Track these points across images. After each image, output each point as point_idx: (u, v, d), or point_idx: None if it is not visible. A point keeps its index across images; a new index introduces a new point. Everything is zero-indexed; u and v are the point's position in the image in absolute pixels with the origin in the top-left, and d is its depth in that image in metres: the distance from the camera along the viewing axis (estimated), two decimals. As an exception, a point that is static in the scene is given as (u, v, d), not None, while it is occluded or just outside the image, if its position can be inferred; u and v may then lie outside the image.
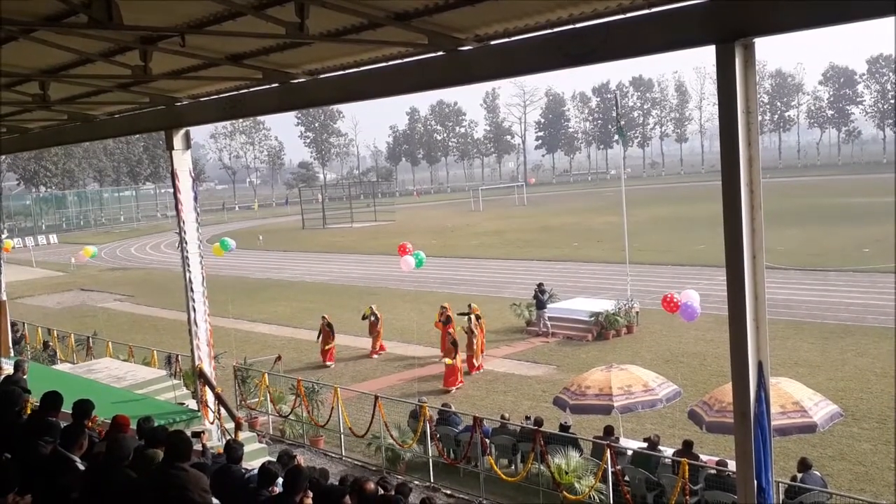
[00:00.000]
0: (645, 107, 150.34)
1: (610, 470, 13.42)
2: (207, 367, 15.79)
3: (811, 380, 17.90)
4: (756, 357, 7.01)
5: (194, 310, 15.45)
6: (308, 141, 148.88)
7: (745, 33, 6.58)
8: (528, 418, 16.47)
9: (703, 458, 13.74)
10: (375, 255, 52.65)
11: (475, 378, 22.79)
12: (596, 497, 13.60)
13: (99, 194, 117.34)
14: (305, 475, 7.35)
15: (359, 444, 17.64)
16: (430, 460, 16.23)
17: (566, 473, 13.90)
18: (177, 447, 6.66)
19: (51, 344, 26.71)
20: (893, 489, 14.06)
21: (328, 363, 24.97)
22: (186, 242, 15.33)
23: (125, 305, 41.01)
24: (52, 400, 8.17)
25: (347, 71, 10.67)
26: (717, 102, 6.87)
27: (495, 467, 15.19)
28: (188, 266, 15.36)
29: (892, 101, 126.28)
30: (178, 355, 21.79)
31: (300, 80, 11.26)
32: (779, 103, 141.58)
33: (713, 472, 12.77)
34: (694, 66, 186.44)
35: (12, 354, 21.90)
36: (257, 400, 19.96)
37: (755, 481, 7.08)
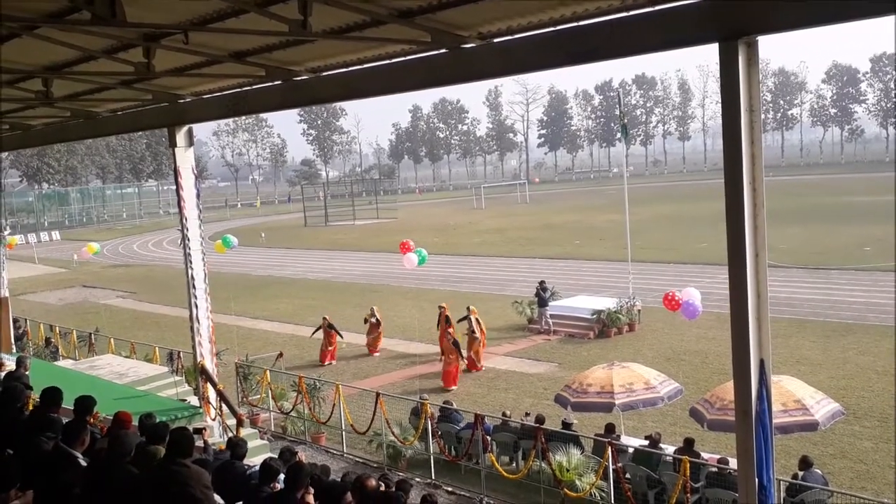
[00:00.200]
0: (648, 105, 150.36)
1: (611, 467, 13.43)
2: (209, 364, 15.81)
3: (813, 378, 17.88)
4: (758, 355, 7.02)
5: (196, 306, 15.47)
6: (311, 138, 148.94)
7: (749, 31, 6.58)
8: (527, 415, 16.50)
9: (705, 455, 13.73)
10: (377, 253, 52.65)
11: (477, 376, 22.79)
12: (597, 494, 13.59)
13: (101, 191, 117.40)
14: (307, 472, 7.37)
15: (360, 440, 17.65)
16: (432, 457, 16.24)
17: (567, 471, 13.90)
18: (179, 443, 6.68)
19: (53, 340, 26.73)
20: (895, 487, 14.06)
21: (326, 363, 24.83)
22: (189, 239, 15.35)
23: (127, 302, 41.05)
24: (51, 396, 8.19)
25: (350, 68, 10.67)
26: (719, 100, 6.87)
27: (496, 464, 15.20)
28: (190, 263, 15.38)
29: (895, 100, 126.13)
30: (179, 352, 21.81)
31: (303, 78, 11.27)
32: (782, 101, 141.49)
33: (714, 469, 12.78)
34: (697, 64, 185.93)
35: (14, 351, 21.95)
36: (259, 397, 19.98)
37: (756, 479, 7.09)
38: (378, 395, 16.85)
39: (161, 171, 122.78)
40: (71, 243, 70.98)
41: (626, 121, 36.13)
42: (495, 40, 8.81)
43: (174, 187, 15.94)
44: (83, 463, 6.95)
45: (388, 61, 10.13)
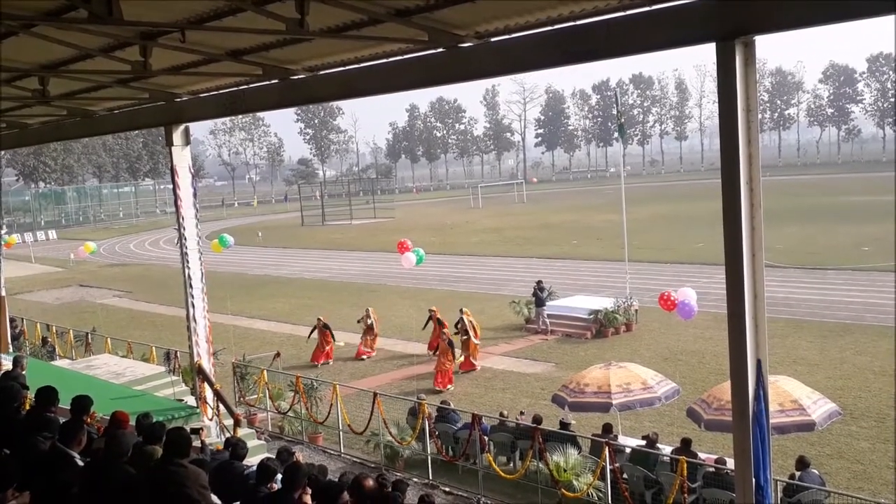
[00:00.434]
0: (645, 104, 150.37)
1: (608, 468, 13.43)
2: (206, 364, 15.80)
3: (810, 378, 17.91)
4: (755, 355, 7.02)
5: (193, 306, 15.45)
6: (307, 137, 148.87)
7: (746, 31, 6.58)
8: (521, 413, 16.52)
9: (702, 456, 13.74)
10: (374, 252, 52.65)
11: (474, 376, 22.80)
12: (594, 495, 13.60)
13: (98, 190, 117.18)
14: (304, 472, 7.36)
15: (357, 441, 17.65)
16: (429, 457, 16.23)
17: (565, 471, 13.90)
18: (176, 443, 6.67)
19: (49, 340, 26.70)
20: (892, 487, 14.09)
21: (321, 362, 24.76)
22: (185, 239, 15.33)
23: (124, 301, 41.00)
24: (47, 395, 8.16)
25: (347, 67, 10.66)
26: (717, 100, 6.88)
27: (494, 465, 15.20)
28: (187, 262, 15.36)
29: (892, 100, 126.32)
30: (176, 352, 21.78)
31: (300, 77, 11.26)
32: (779, 101, 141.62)
33: (711, 470, 12.78)
34: (694, 63, 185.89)
35: (11, 350, 21.91)
36: (256, 396, 19.95)
37: (753, 479, 7.09)
38: (375, 395, 16.84)
39: (158, 170, 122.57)
40: (67, 242, 70.89)
41: (623, 120, 36.14)
42: (493, 39, 8.81)
43: (171, 186, 15.95)
44: (80, 463, 6.94)
45: (385, 60, 10.12)
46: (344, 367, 24.60)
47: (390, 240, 44.38)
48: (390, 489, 8.39)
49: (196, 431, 10.40)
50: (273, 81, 11.71)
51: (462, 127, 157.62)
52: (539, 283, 27.86)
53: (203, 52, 10.32)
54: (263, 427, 19.37)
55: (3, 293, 23.13)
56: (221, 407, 15.76)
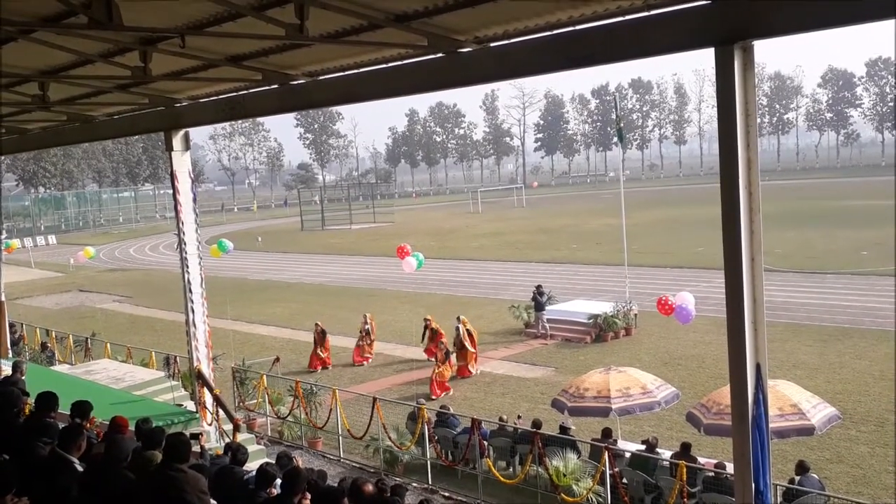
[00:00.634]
0: (644, 109, 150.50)
1: (608, 472, 13.43)
2: (206, 369, 15.78)
3: (809, 382, 17.91)
4: (754, 359, 7.03)
5: (193, 311, 15.45)
6: (307, 142, 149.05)
7: (744, 36, 6.60)
8: (519, 417, 16.52)
9: (701, 460, 13.73)
10: (374, 257, 52.65)
11: (473, 380, 22.78)
12: (594, 499, 13.58)
13: (98, 195, 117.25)
14: (304, 477, 7.35)
15: (357, 445, 17.62)
16: (429, 462, 16.21)
17: (564, 475, 13.89)
18: (175, 448, 6.66)
19: (49, 345, 26.68)
20: (892, 491, 14.07)
21: (319, 369, 24.72)
22: (185, 244, 15.34)
23: (124, 306, 40.98)
24: (46, 400, 8.16)
25: (347, 72, 10.68)
26: (716, 105, 6.89)
27: (493, 469, 15.18)
28: (187, 267, 15.36)
29: (891, 104, 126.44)
30: (176, 357, 21.78)
31: (300, 82, 11.28)
32: (777, 106, 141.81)
33: (711, 474, 12.77)
34: (693, 68, 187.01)
35: (10, 355, 21.90)
36: (256, 401, 19.93)
37: (753, 484, 7.10)
38: (375, 399, 16.83)
39: (157, 175, 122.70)
40: (67, 247, 70.92)
41: (622, 125, 36.19)
42: (492, 44, 8.83)
43: (171, 191, 15.94)
44: (79, 468, 6.93)
45: (384, 65, 10.14)
46: (343, 372, 24.58)
47: (390, 244, 44.41)
48: (389, 494, 8.38)
49: (195, 436, 10.40)
50: (273, 87, 11.73)
51: (461, 131, 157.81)
52: (538, 287, 27.86)
53: (203, 58, 10.34)
54: (263, 432, 19.35)
55: (3, 298, 23.15)
56: (221, 412, 15.75)
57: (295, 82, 11.32)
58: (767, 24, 6.47)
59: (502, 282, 39.53)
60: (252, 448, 15.35)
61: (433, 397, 20.99)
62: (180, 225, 15.37)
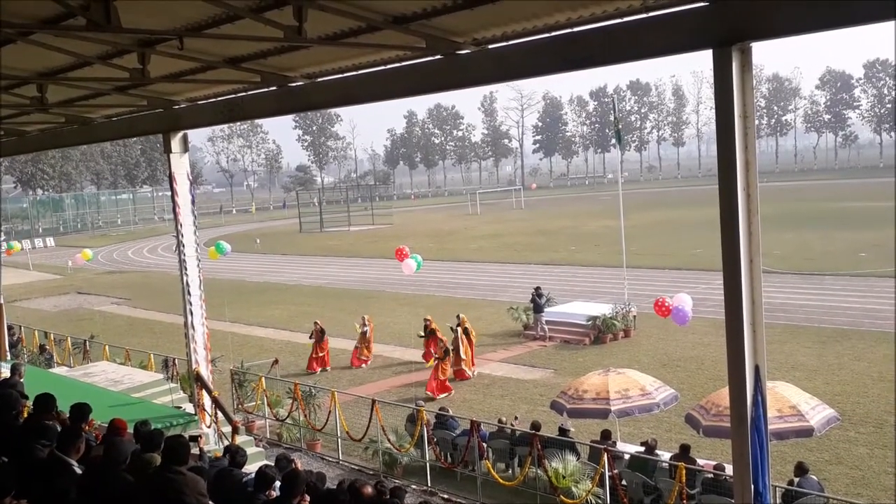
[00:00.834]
0: (642, 111, 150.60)
1: (607, 474, 13.42)
2: (204, 371, 15.78)
3: (808, 384, 17.91)
4: (753, 361, 7.03)
5: (191, 313, 15.44)
6: (306, 144, 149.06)
7: (742, 38, 6.61)
8: (515, 418, 16.51)
9: (700, 462, 13.72)
10: (373, 259, 52.64)
11: (472, 382, 22.77)
12: (593, 501, 13.57)
13: (96, 197, 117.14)
14: (302, 479, 7.35)
15: (356, 447, 17.61)
16: (428, 464, 16.21)
17: (563, 477, 13.88)
18: (174, 451, 6.66)
19: (47, 347, 26.65)
20: (891, 493, 14.08)
21: (318, 370, 24.70)
22: (184, 245, 15.33)
23: (122, 309, 40.95)
24: (43, 403, 8.15)
25: (345, 74, 10.69)
26: (714, 106, 6.90)
27: (492, 471, 15.17)
28: (185, 269, 15.35)
29: (889, 106, 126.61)
30: (174, 359, 21.74)
31: (298, 84, 11.28)
32: (776, 107, 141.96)
33: (710, 476, 12.77)
34: (691, 70, 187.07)
35: (9, 358, 21.87)
36: (254, 404, 19.92)
37: (752, 485, 7.10)
38: (374, 401, 16.82)
39: (156, 177, 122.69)
40: (65, 249, 70.84)
41: (620, 126, 36.22)
42: (490, 46, 8.83)
43: (169, 193, 15.92)
44: (78, 470, 6.92)
45: (383, 67, 10.15)
46: (342, 374, 24.57)
47: (388, 246, 44.39)
48: (389, 496, 8.37)
49: (194, 439, 10.39)
50: (271, 88, 11.74)
51: (460, 133, 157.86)
52: (537, 289, 27.85)
53: (201, 60, 10.35)
54: (261, 434, 19.34)
55: (2, 301, 23.11)
56: (220, 414, 15.73)
57: (293, 84, 11.33)
58: (765, 25, 6.47)
59: (501, 283, 39.53)
60: (251, 450, 15.33)
61: (434, 397, 21.01)
62: (179, 227, 15.37)
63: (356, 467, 17.27)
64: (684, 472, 12.53)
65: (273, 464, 9.37)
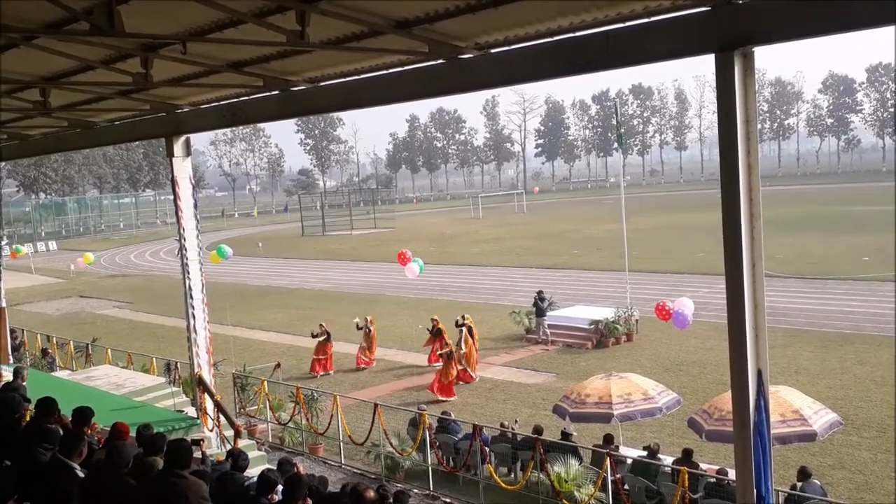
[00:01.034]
0: (645, 115, 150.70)
1: (610, 478, 13.39)
2: (206, 375, 15.78)
3: (811, 388, 17.89)
4: (755, 365, 7.02)
5: (193, 317, 15.44)
6: (308, 148, 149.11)
7: (745, 42, 6.60)
8: (515, 422, 16.50)
9: (703, 466, 13.70)
10: (375, 263, 52.65)
11: (474, 386, 22.76)
12: (595, 505, 13.57)
13: (98, 201, 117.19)
14: (305, 483, 7.35)
15: (358, 451, 17.61)
16: (430, 468, 16.20)
17: (566, 482, 13.86)
18: (176, 454, 6.66)
19: (50, 351, 26.67)
20: (894, 497, 14.05)
21: (320, 373, 24.71)
22: (186, 249, 15.34)
23: (124, 312, 40.98)
24: (45, 406, 8.15)
25: (348, 78, 10.70)
26: (716, 111, 6.90)
27: (495, 475, 15.16)
28: (188, 273, 15.36)
29: (892, 110, 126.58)
30: (177, 362, 21.75)
31: (301, 88, 11.29)
32: (778, 111, 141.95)
33: (713, 480, 12.75)
34: (694, 74, 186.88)
35: (11, 361, 21.89)
36: (256, 407, 19.93)
37: (755, 490, 7.08)
38: (376, 405, 16.81)
39: (158, 181, 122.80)
40: (68, 253, 70.89)
41: (622, 130, 36.22)
42: (493, 51, 8.84)
43: (171, 197, 15.97)
44: (80, 474, 6.93)
45: (385, 71, 10.16)
46: (345, 377, 24.56)
47: (390, 250, 44.38)
48: (391, 500, 8.37)
49: (197, 442, 10.39)
50: (274, 93, 11.75)
51: (462, 137, 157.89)
52: (539, 293, 27.85)
53: (204, 64, 10.36)
54: (264, 438, 19.34)
55: (4, 304, 23.14)
56: (222, 418, 15.73)
57: (296, 88, 11.34)
58: (768, 30, 6.47)
59: (503, 287, 39.52)
60: (253, 454, 15.34)
61: (443, 399, 21.05)
62: (181, 231, 15.38)
63: (358, 471, 17.26)
64: (687, 476, 12.51)
65: (275, 468, 9.36)
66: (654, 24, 7.19)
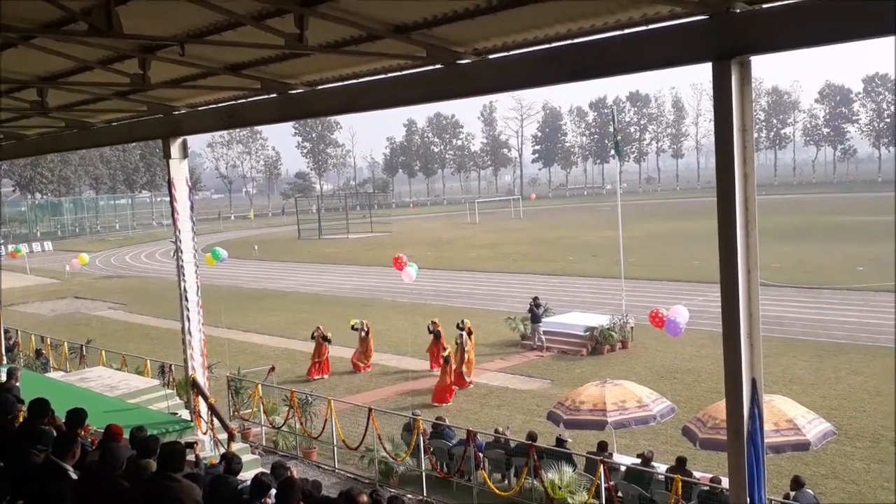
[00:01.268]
0: (641, 122, 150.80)
1: (603, 485, 13.39)
2: (201, 377, 15.74)
3: (805, 397, 17.90)
4: (750, 374, 7.03)
5: (188, 319, 15.40)
6: (305, 151, 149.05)
7: (742, 51, 6.63)
8: (507, 428, 16.50)
9: (697, 474, 13.71)
10: (371, 267, 52.64)
11: (468, 391, 22.74)
12: (589, 512, 13.56)
13: (95, 202, 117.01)
14: (298, 487, 7.33)
15: (352, 456, 17.58)
16: (424, 474, 16.18)
17: (559, 488, 13.86)
18: (170, 457, 6.65)
19: (44, 352, 26.60)
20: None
21: (316, 377, 24.69)
22: (182, 251, 15.32)
23: (119, 314, 40.90)
24: (38, 407, 8.13)
25: (346, 82, 10.71)
26: (713, 119, 6.91)
27: (488, 481, 15.15)
28: (183, 275, 15.33)
29: (888, 120, 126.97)
30: (171, 365, 21.67)
31: (299, 91, 11.30)
32: (775, 120, 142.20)
33: (706, 488, 12.76)
34: (691, 82, 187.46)
35: (5, 362, 21.82)
36: (250, 411, 19.88)
37: (748, 499, 7.09)
38: (370, 410, 16.80)
39: (155, 183, 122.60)
40: (63, 254, 70.77)
41: (619, 138, 36.29)
42: (490, 56, 8.86)
43: (168, 198, 15.92)
44: (74, 476, 6.91)
45: (383, 76, 10.17)
46: (339, 381, 24.53)
47: (387, 254, 44.39)
48: (384, 505, 8.35)
49: (190, 445, 10.37)
50: (271, 95, 11.75)
51: (459, 142, 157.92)
52: (535, 299, 27.85)
53: (202, 66, 10.37)
54: (257, 441, 19.29)
55: (-1, 304, 23.08)
56: (216, 421, 15.70)
57: (294, 91, 11.34)
58: (765, 40, 6.49)
59: (499, 293, 39.53)
60: (246, 458, 15.31)
61: (440, 404, 21.05)
62: (177, 233, 15.35)
63: (352, 476, 17.24)
64: (680, 484, 12.50)
65: (269, 471, 9.33)
66: (652, 31, 7.22)
